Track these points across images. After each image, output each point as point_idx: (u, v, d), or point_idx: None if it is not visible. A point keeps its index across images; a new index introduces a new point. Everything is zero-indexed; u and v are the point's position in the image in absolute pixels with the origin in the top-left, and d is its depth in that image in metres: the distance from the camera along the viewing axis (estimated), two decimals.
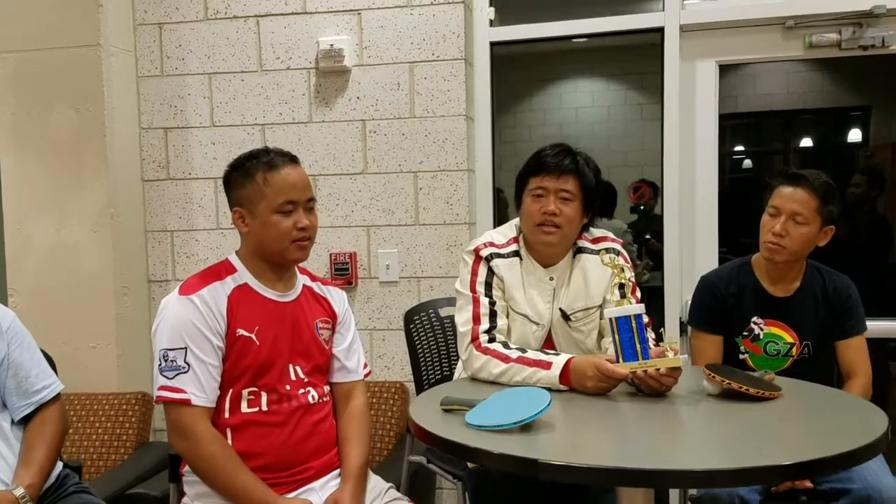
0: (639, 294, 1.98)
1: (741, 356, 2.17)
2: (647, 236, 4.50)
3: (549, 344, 2.01)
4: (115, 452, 2.58)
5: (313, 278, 1.92)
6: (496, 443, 1.40)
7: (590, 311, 2.01)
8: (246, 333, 1.69)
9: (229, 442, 1.67)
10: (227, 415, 1.69)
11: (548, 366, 1.78)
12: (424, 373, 2.51)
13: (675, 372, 1.67)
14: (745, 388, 1.64)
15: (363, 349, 2.81)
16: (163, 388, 1.64)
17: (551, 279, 2.01)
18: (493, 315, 1.96)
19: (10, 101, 2.78)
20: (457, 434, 1.47)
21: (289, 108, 2.84)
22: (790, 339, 2.14)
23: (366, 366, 1.99)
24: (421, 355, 2.45)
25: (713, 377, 1.67)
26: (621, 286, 1.90)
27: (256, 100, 2.85)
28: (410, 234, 2.79)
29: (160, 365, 1.64)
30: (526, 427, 1.46)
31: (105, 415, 2.64)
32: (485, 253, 2.01)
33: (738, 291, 2.18)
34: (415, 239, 2.79)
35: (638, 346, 1.68)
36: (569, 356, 1.80)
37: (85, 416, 2.64)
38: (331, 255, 2.83)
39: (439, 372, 2.54)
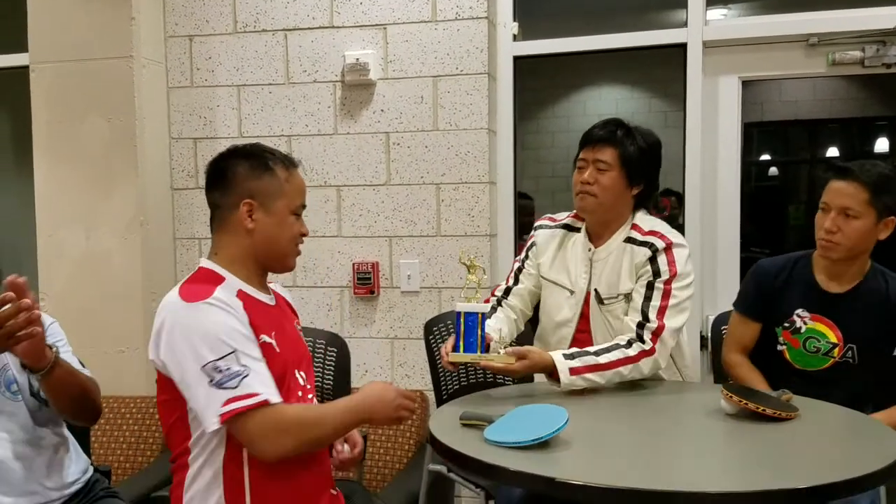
0: (671, 302, 1.93)
1: (779, 347, 2.11)
2: None
3: (584, 320, 2.07)
4: (143, 455, 2.65)
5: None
6: (514, 460, 1.43)
7: (619, 298, 2.03)
8: (268, 339, 1.54)
9: (245, 467, 1.50)
10: None
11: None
12: (444, 382, 2.54)
13: (509, 366, 1.85)
14: (762, 408, 1.65)
15: (385, 357, 2.88)
16: (231, 400, 1.40)
17: (591, 251, 2.07)
18: (516, 275, 2.21)
19: (44, 110, 2.86)
20: (475, 450, 1.50)
21: (314, 119, 2.89)
22: (833, 339, 2.04)
23: None
24: (440, 365, 2.49)
25: (730, 397, 1.69)
26: (649, 284, 1.95)
27: (283, 112, 2.91)
28: (432, 245, 2.83)
29: (212, 380, 1.41)
30: (544, 444, 1.48)
31: (133, 418, 2.71)
32: (539, 223, 2.23)
33: (787, 280, 2.12)
34: (436, 250, 2.83)
35: (479, 341, 1.83)
36: None
37: (113, 419, 2.71)
38: (353, 264, 2.87)
39: (457, 382, 2.57)
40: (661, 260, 1.96)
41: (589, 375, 1.88)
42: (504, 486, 2.03)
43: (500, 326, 2.10)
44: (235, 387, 1.41)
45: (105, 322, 2.82)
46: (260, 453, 1.46)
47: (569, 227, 2.16)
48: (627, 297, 2.01)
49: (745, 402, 1.66)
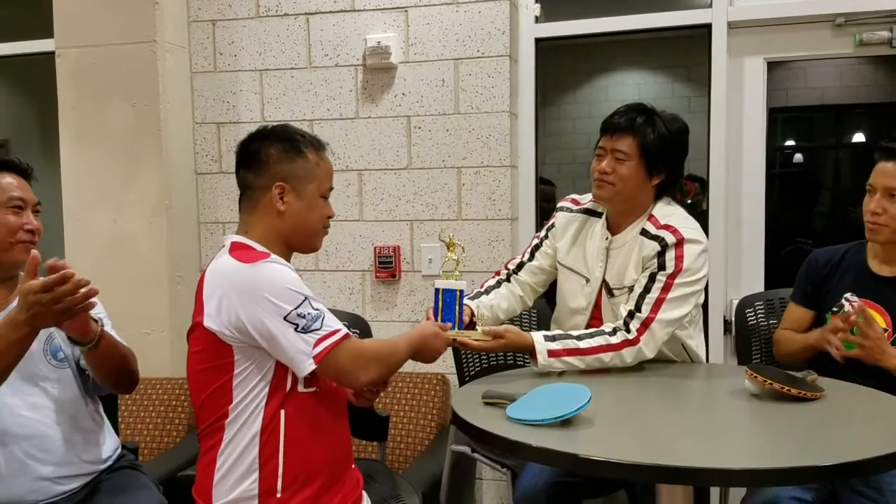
0: (670, 295, 1.88)
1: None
2: None
3: (598, 309, 2.05)
4: (168, 436, 2.69)
5: None
6: (536, 437, 1.43)
7: (624, 290, 2.01)
8: None
9: (282, 429, 1.56)
10: (287, 387, 1.57)
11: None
12: (465, 364, 2.55)
13: (484, 343, 1.88)
14: (787, 388, 1.64)
15: None
16: (321, 339, 1.51)
17: (608, 240, 2.03)
18: (532, 251, 2.19)
19: (69, 95, 2.89)
20: (498, 427, 1.50)
21: (336, 104, 2.90)
22: (883, 325, 1.97)
23: None
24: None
25: (755, 377, 1.68)
26: (652, 276, 1.91)
27: (305, 96, 2.92)
28: (453, 229, 2.82)
29: (298, 327, 1.50)
30: (566, 422, 1.49)
31: (158, 399, 2.75)
32: (561, 204, 2.19)
33: (838, 264, 2.10)
34: (457, 234, 2.82)
35: (457, 317, 1.83)
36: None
37: (139, 401, 2.75)
38: (375, 248, 2.88)
39: (478, 364, 2.58)
40: (669, 255, 1.90)
41: (568, 359, 1.87)
42: (527, 472, 2.04)
43: (495, 302, 2.10)
44: (319, 328, 1.52)
45: (131, 305, 2.85)
46: (353, 382, 1.61)
47: (590, 212, 2.12)
48: (632, 289, 1.98)
49: (769, 381, 1.65)
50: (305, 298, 1.53)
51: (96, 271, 2.87)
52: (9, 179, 1.75)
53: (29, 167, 1.82)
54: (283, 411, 1.56)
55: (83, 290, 1.47)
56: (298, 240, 1.68)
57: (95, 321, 1.63)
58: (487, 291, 2.15)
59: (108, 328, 1.81)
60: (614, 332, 1.91)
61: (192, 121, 3.02)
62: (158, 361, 2.84)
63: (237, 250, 1.59)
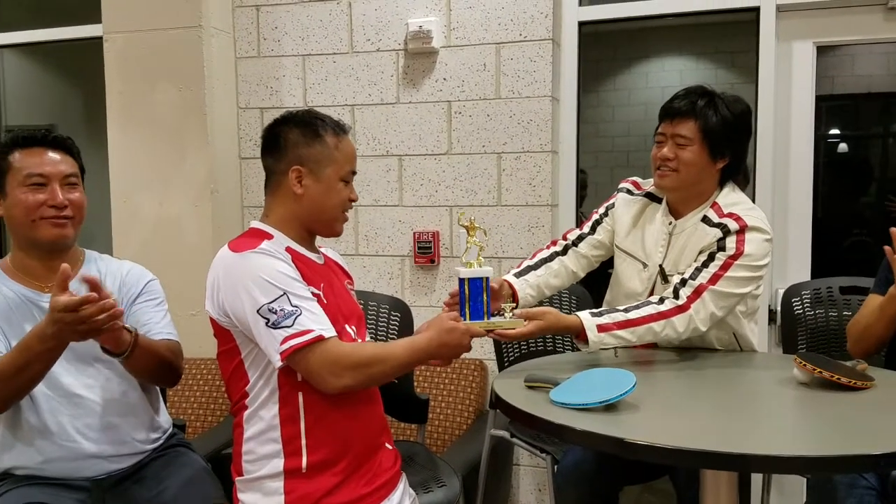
0: (728, 273, 1.82)
1: None
2: None
3: (651, 294, 1.99)
4: (213, 414, 2.74)
5: None
6: (581, 420, 1.42)
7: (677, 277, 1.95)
8: (316, 291, 1.61)
9: (301, 410, 1.58)
10: (299, 377, 1.57)
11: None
12: (505, 351, 2.56)
13: (522, 329, 1.75)
14: (837, 377, 1.61)
15: None
16: (289, 338, 1.49)
17: (671, 225, 1.98)
18: (593, 226, 2.12)
19: (116, 79, 2.95)
20: (541, 410, 1.50)
21: (377, 89, 2.90)
22: None
23: None
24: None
25: (804, 365, 1.65)
26: (711, 255, 1.85)
27: (347, 81, 2.93)
28: (493, 215, 2.83)
29: (269, 321, 1.50)
30: (610, 407, 1.48)
31: (203, 379, 2.80)
32: (622, 186, 2.13)
33: None
34: (497, 220, 2.82)
35: (485, 305, 1.73)
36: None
37: (184, 380, 2.79)
38: (414, 233, 2.89)
39: (518, 351, 2.58)
40: (730, 239, 1.84)
41: (618, 332, 1.80)
42: (568, 457, 2.04)
43: (543, 280, 2.04)
44: (290, 325, 1.50)
45: (177, 286, 2.85)
46: (322, 386, 1.54)
47: (651, 197, 2.06)
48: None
49: (819, 370, 1.62)
50: (284, 293, 1.51)
51: (142, 253, 2.94)
52: (23, 157, 1.70)
53: (49, 135, 1.75)
54: (300, 393, 1.57)
55: (107, 313, 1.46)
56: (317, 223, 1.68)
57: (130, 332, 1.63)
58: (538, 265, 2.08)
59: (161, 312, 1.86)
60: (662, 301, 1.85)
61: (237, 105, 3.05)
62: (203, 342, 2.85)
63: (242, 237, 1.63)
